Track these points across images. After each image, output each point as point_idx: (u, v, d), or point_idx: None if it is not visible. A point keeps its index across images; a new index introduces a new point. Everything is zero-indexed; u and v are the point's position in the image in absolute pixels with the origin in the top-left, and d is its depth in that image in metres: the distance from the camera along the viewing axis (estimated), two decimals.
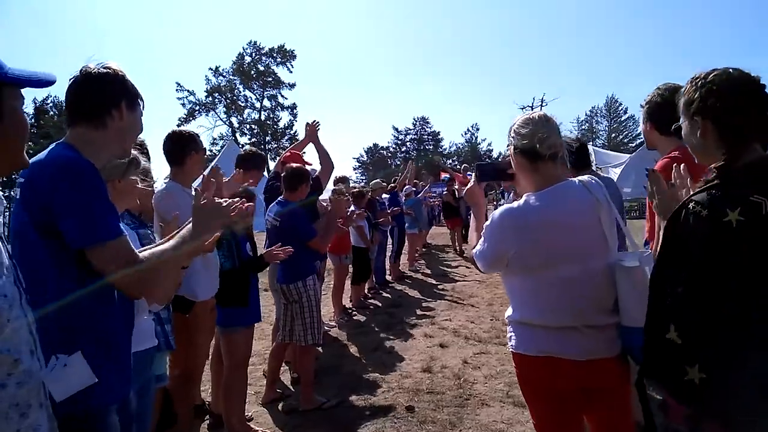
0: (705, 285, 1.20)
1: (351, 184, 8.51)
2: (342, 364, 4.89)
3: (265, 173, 5.78)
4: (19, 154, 1.12)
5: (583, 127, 52.66)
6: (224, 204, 1.54)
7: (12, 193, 1.30)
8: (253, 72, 46.75)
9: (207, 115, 46.08)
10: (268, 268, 3.89)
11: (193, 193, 2.18)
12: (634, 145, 44.15)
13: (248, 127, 47.96)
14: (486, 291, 7.87)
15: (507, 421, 3.55)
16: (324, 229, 3.94)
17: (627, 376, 1.80)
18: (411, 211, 9.93)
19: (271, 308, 5.49)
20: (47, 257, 1.39)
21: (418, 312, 6.85)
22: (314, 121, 4.69)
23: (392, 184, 10.36)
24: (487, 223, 1.92)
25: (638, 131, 37.58)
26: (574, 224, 1.82)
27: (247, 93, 47.53)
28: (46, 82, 1.13)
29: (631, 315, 1.67)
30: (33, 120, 33.60)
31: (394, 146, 55.10)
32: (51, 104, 38.58)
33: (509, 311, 1.99)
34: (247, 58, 46.84)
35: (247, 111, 47.67)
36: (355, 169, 53.97)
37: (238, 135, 45.97)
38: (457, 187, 11.21)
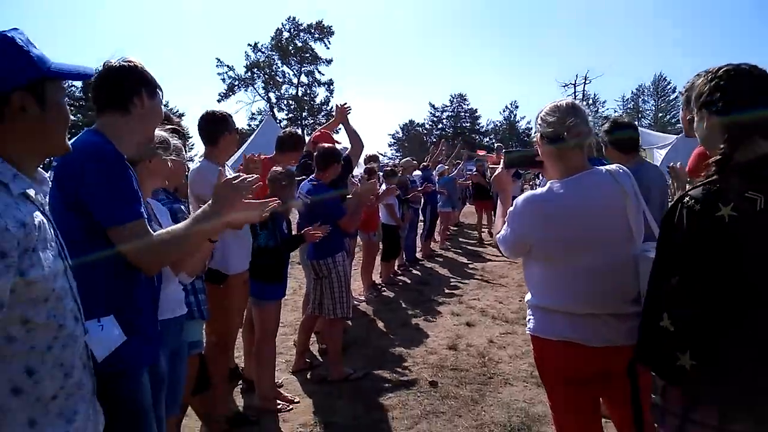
0: (696, 278, 1.21)
1: (386, 161, 8.53)
2: (369, 337, 5.02)
3: None
4: (62, 140, 1.23)
5: (629, 106, 50.33)
6: (240, 180, 1.60)
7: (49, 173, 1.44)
8: (291, 48, 46.88)
9: (246, 90, 46.76)
10: None
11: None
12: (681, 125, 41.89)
13: (285, 102, 48.33)
14: (517, 272, 7.80)
15: (529, 400, 3.59)
16: (352, 209, 4.02)
17: None
18: (444, 190, 9.89)
19: (303, 281, 5.67)
20: (79, 230, 1.51)
21: (447, 290, 6.91)
22: (344, 103, 4.71)
23: (424, 163, 10.32)
24: (511, 209, 1.94)
25: None
26: (597, 213, 1.82)
27: (285, 69, 47.82)
28: (84, 75, 1.22)
29: None
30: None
31: (430, 123, 54.28)
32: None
33: (528, 295, 2.01)
34: (286, 34, 46.91)
35: (284, 87, 48.01)
36: (390, 145, 53.71)
37: (275, 110, 46.47)
38: (490, 166, 11.06)
